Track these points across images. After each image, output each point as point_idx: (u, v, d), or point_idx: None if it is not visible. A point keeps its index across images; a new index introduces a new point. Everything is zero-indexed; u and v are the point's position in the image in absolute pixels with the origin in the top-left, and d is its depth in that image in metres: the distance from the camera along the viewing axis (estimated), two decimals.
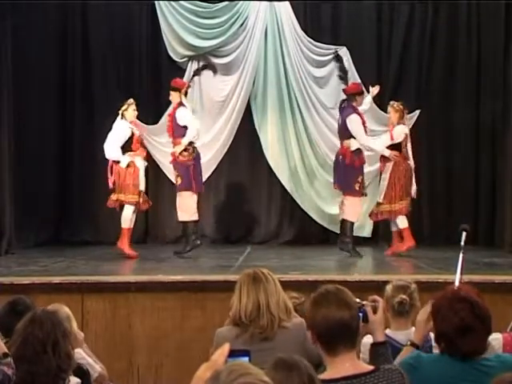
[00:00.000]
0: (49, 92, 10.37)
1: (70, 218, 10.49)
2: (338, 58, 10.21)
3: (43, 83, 10.21)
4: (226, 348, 1.66)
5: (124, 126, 8.86)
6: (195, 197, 8.81)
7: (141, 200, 8.91)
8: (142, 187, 8.95)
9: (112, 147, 8.80)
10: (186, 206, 8.75)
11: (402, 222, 8.87)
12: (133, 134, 8.91)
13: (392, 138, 8.92)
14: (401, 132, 8.89)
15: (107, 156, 8.88)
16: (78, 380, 3.54)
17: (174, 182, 8.98)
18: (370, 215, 9.17)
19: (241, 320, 3.65)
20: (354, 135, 8.68)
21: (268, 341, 3.58)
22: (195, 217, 8.81)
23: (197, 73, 9.71)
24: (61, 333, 3.10)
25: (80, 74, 10.54)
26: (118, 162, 8.83)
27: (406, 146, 8.95)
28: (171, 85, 9.06)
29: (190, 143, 8.77)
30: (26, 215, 9.82)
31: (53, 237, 10.30)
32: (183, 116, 8.74)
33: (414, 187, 8.94)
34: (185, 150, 8.73)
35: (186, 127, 8.71)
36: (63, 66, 10.56)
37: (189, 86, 9.22)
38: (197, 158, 8.86)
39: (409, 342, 3.31)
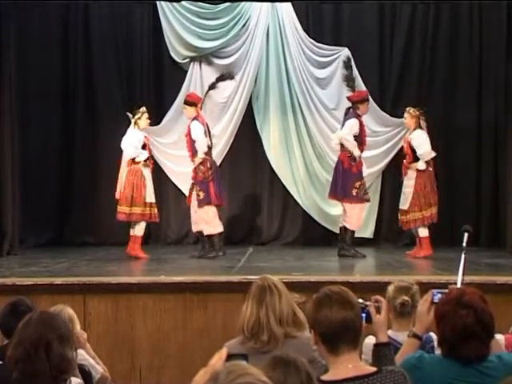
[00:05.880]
0: (51, 92, 10.39)
1: (72, 219, 10.49)
2: (347, 66, 9.92)
3: (46, 83, 10.24)
4: (223, 352, 1.66)
5: (138, 134, 8.83)
6: (215, 209, 8.76)
7: (152, 211, 8.85)
8: (153, 199, 8.90)
9: (130, 147, 8.75)
10: (210, 219, 8.73)
11: (423, 231, 8.81)
12: (145, 144, 8.90)
13: (406, 148, 8.88)
14: (423, 136, 8.76)
15: (127, 155, 8.78)
16: (80, 381, 3.54)
17: (188, 194, 8.90)
18: (401, 224, 9.01)
19: (243, 333, 3.66)
20: (342, 132, 8.70)
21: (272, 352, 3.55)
22: (220, 229, 8.81)
23: (212, 86, 9.62)
24: (55, 336, 3.08)
25: (82, 75, 10.53)
26: (134, 161, 8.72)
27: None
28: (186, 99, 9.01)
29: (207, 155, 8.73)
30: (28, 216, 9.85)
31: (55, 238, 10.31)
32: (193, 130, 8.70)
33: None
34: (201, 163, 8.70)
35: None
36: (65, 67, 10.54)
37: (203, 101, 9.16)
38: (215, 171, 8.84)
39: (411, 333, 3.26)
